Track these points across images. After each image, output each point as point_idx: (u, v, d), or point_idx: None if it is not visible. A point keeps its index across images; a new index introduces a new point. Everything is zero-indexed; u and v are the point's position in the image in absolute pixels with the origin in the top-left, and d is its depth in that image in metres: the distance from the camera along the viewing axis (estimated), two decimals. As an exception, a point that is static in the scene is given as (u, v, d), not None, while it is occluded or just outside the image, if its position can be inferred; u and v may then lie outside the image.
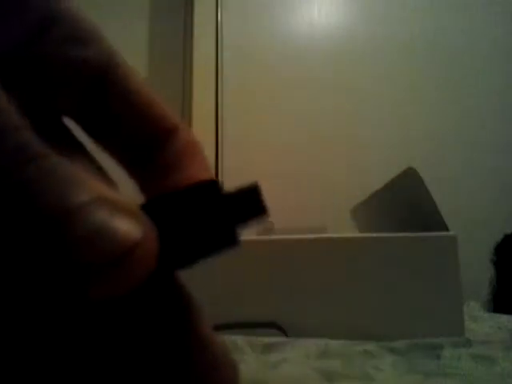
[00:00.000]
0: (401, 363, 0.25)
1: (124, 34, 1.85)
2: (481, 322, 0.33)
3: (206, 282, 0.28)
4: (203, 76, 1.59)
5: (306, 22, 1.63)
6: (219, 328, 0.27)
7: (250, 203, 0.10)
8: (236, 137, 1.53)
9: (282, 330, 0.27)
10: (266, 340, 0.25)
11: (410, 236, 0.28)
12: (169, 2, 1.89)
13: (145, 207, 0.09)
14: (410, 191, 0.36)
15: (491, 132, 1.58)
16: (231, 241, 0.10)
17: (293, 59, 1.59)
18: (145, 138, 0.12)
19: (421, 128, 1.54)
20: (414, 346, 0.26)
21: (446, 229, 0.28)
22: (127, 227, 0.08)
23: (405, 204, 0.37)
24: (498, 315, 0.38)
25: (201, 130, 1.49)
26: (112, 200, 0.08)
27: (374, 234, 0.28)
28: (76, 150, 0.11)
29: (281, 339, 0.26)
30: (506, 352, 0.26)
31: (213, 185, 0.10)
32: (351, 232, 0.46)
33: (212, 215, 0.10)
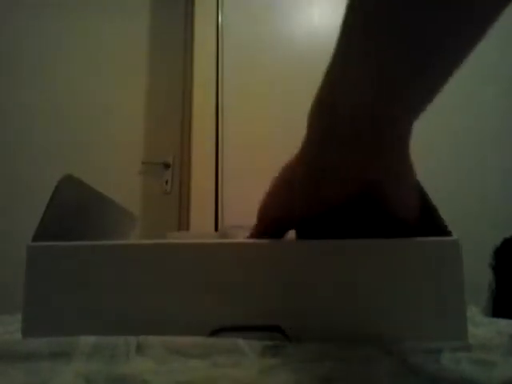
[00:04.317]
0: (400, 367, 0.25)
1: (124, 34, 1.85)
2: (481, 326, 0.33)
3: (206, 284, 0.28)
4: (203, 77, 1.58)
5: (308, 23, 1.63)
6: (220, 331, 0.26)
7: None
8: (236, 137, 1.53)
9: (283, 333, 0.26)
10: (267, 342, 0.25)
11: (412, 240, 0.27)
12: (169, 2, 1.89)
13: None
14: None
15: (492, 134, 1.58)
16: None
17: (294, 60, 1.59)
18: None
19: (421, 129, 1.54)
20: (414, 349, 0.26)
21: (449, 233, 0.28)
22: None
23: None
24: (497, 320, 0.38)
25: (201, 129, 1.49)
26: None
27: (376, 239, 0.28)
28: None
29: (281, 342, 0.25)
30: (506, 357, 0.26)
31: None
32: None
33: None
